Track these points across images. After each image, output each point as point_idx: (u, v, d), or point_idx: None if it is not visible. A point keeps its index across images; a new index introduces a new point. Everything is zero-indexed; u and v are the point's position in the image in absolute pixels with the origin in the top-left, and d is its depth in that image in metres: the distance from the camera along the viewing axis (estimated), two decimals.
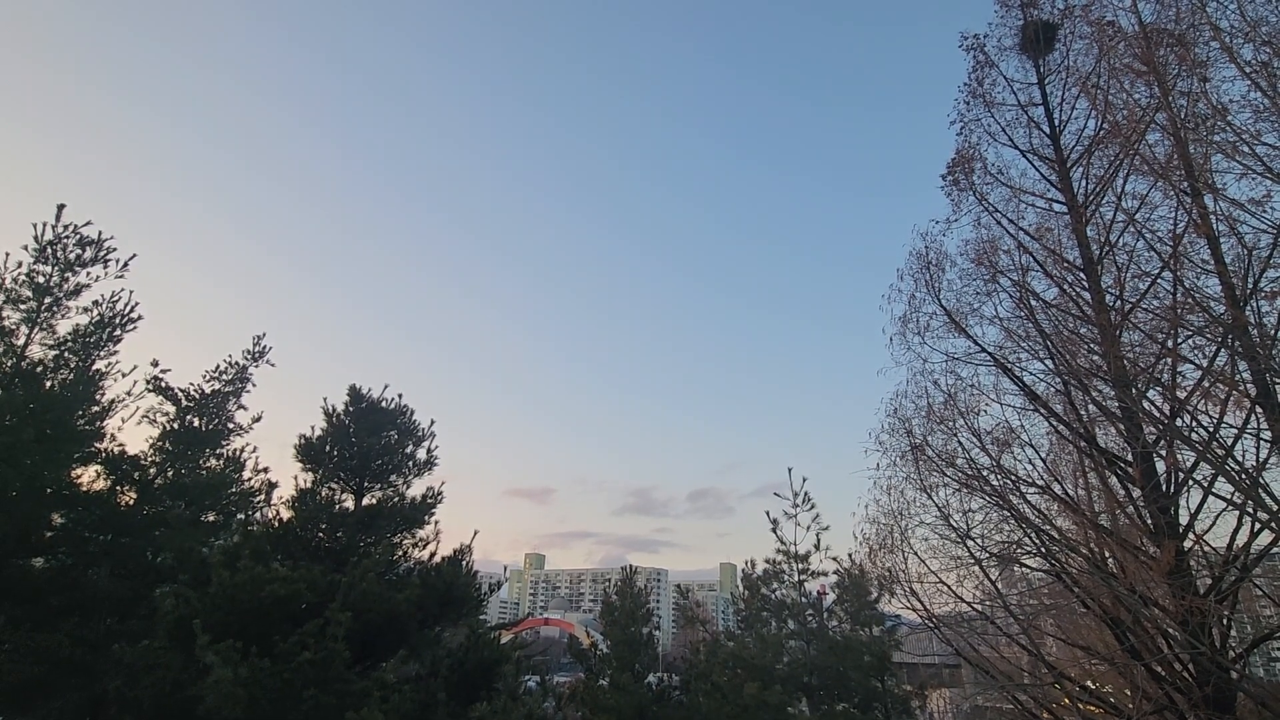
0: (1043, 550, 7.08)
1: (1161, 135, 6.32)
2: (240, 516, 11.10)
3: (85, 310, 10.61)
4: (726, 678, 13.45)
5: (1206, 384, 5.97)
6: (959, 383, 7.88)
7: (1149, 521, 6.33)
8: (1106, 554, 6.80)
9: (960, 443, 7.57)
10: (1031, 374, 7.56)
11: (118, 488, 10.59)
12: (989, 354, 7.67)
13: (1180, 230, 6.21)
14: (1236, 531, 5.92)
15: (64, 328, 10.41)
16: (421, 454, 10.28)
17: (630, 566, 16.62)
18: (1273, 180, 5.21)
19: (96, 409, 10.48)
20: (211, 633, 6.70)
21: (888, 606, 15.99)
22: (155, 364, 11.40)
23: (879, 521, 8.14)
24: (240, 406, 12.41)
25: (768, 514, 17.22)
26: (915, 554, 7.82)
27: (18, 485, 9.10)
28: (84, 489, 10.24)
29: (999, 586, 7.67)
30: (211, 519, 11.34)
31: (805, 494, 17.05)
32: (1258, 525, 5.77)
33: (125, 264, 10.97)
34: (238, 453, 11.97)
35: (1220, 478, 5.79)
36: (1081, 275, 7.45)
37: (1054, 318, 7.52)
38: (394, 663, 8.87)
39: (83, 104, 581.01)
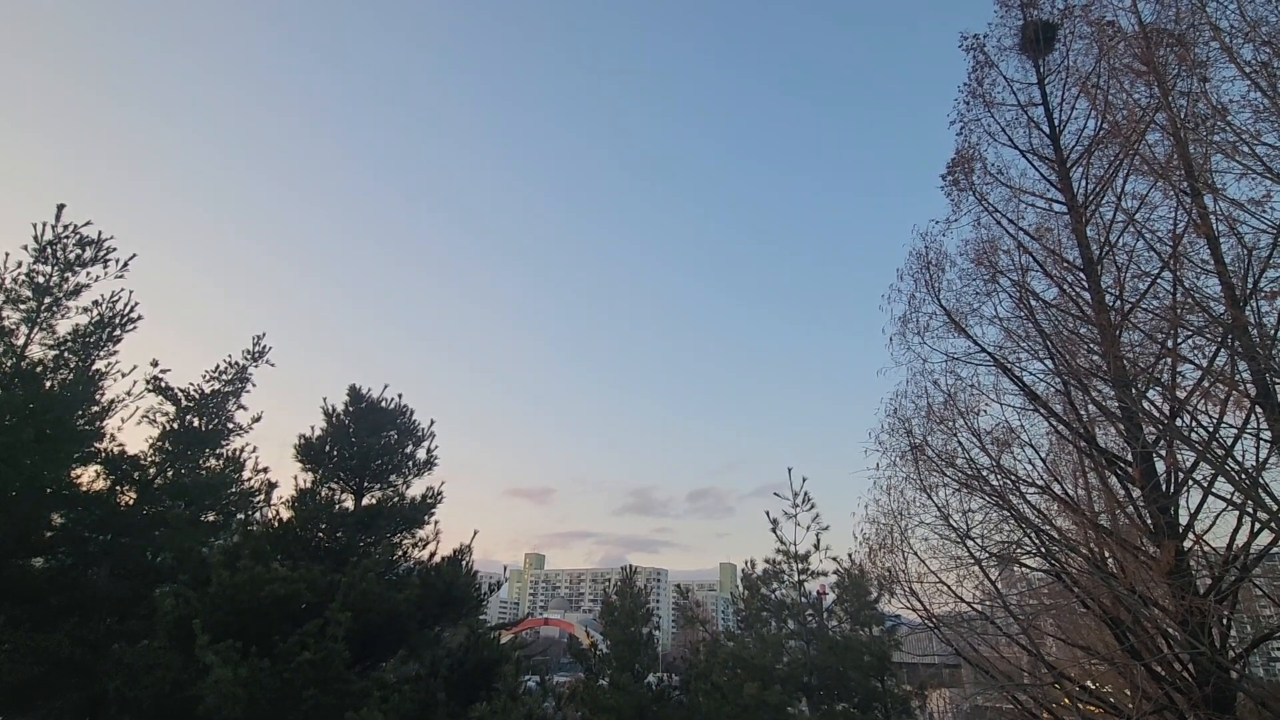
0: (1042, 550, 7.07)
1: (1161, 135, 6.32)
2: (240, 516, 11.11)
3: (85, 310, 10.62)
4: (726, 678, 13.46)
5: (1206, 384, 5.96)
6: (959, 383, 7.88)
7: (1149, 521, 6.33)
8: (1106, 554, 6.79)
9: (960, 443, 7.57)
10: (1031, 374, 7.56)
11: (117, 488, 10.60)
12: (989, 354, 7.67)
13: (1180, 230, 6.21)
14: (1236, 531, 5.91)
15: (64, 328, 10.43)
16: (421, 454, 10.31)
17: (630, 566, 16.64)
18: (1273, 180, 5.21)
19: (96, 409, 10.49)
20: (211, 633, 6.71)
21: (887, 606, 16.03)
22: (155, 364, 11.43)
23: (879, 521, 8.14)
24: (240, 406, 12.45)
25: (767, 514, 17.30)
26: (915, 554, 7.82)
27: (18, 485, 9.10)
28: (84, 489, 10.24)
29: (999, 586, 7.66)
30: (211, 519, 11.35)
31: (805, 494, 17.11)
32: (1257, 525, 5.77)
33: (125, 264, 10.99)
34: (237, 453, 11.99)
35: (1220, 478, 5.78)
36: (1081, 275, 7.45)
37: (1054, 318, 7.52)
38: (394, 663, 8.88)
39: (83, 104, 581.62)
